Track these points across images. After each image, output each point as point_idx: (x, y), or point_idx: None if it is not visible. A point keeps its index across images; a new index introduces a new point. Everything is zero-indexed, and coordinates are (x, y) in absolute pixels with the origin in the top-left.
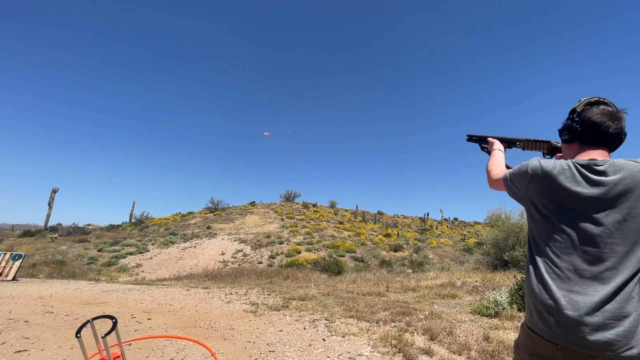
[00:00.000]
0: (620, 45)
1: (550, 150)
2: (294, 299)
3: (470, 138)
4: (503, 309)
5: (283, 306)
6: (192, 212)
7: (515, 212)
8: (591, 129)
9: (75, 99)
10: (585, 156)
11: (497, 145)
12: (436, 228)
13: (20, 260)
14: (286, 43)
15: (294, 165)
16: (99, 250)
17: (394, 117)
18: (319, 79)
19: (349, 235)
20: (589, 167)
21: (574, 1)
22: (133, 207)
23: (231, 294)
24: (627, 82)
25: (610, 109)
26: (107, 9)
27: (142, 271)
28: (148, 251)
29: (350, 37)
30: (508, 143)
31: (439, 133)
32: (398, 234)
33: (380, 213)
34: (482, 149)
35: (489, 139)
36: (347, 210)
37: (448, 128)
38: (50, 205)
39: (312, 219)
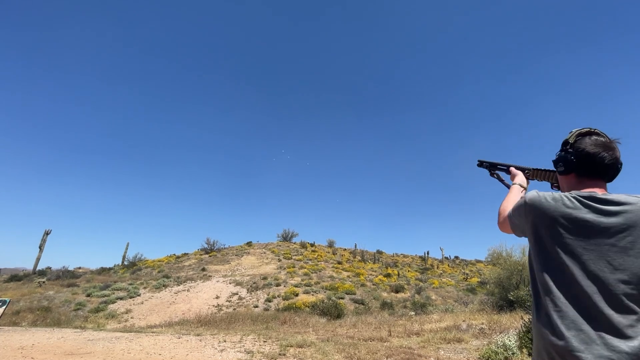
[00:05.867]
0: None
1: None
2: (291, 346)
3: (481, 164)
4: (513, 353)
5: (280, 354)
6: (187, 254)
7: (516, 249)
8: (586, 160)
9: (69, 137)
10: (585, 189)
11: (520, 179)
12: (437, 267)
13: (4, 307)
14: (282, 79)
15: (292, 204)
16: (88, 295)
17: (391, 153)
18: (316, 116)
19: (348, 276)
20: (590, 198)
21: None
22: (127, 248)
23: (225, 342)
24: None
25: (602, 139)
26: (106, 48)
27: (131, 317)
28: (139, 295)
29: (347, 74)
30: None
31: (437, 169)
32: (398, 274)
33: (379, 252)
34: (492, 175)
35: (512, 169)
36: (345, 249)
37: (445, 163)
38: (41, 247)
39: (310, 259)
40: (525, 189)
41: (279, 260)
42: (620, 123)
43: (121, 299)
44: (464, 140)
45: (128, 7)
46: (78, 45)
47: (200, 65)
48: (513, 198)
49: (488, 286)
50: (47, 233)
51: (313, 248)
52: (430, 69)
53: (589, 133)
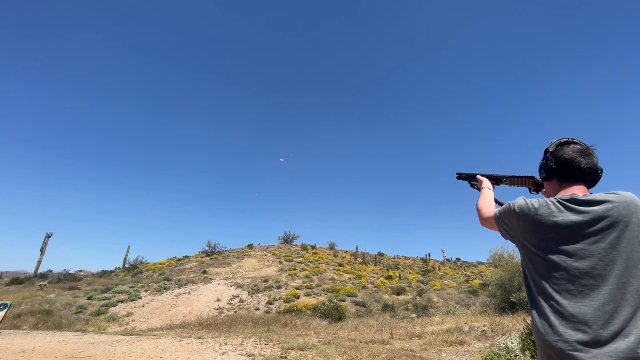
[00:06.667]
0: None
1: (536, 185)
2: (292, 349)
3: (460, 176)
4: (515, 356)
5: (281, 357)
6: (188, 256)
7: (518, 251)
8: (564, 165)
9: (69, 140)
10: (566, 192)
11: (486, 184)
12: (438, 269)
13: (5, 310)
14: (282, 81)
15: (293, 206)
16: (89, 298)
17: (392, 156)
18: (316, 118)
19: (350, 278)
20: (572, 200)
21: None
22: (127, 251)
23: (226, 344)
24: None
25: (579, 146)
26: (106, 57)
27: (132, 320)
28: (140, 298)
29: (348, 75)
30: (495, 180)
31: (437, 171)
32: (400, 276)
33: (380, 254)
34: (472, 186)
35: (478, 176)
36: (346, 251)
37: (445, 166)
38: (42, 251)
39: (311, 262)
40: (492, 190)
41: (280, 263)
42: (618, 124)
43: (122, 301)
44: (465, 141)
45: (128, 10)
46: (79, 48)
47: (201, 67)
48: (488, 198)
49: (490, 288)
50: (48, 236)
51: (314, 250)
52: (431, 70)
53: (567, 142)
